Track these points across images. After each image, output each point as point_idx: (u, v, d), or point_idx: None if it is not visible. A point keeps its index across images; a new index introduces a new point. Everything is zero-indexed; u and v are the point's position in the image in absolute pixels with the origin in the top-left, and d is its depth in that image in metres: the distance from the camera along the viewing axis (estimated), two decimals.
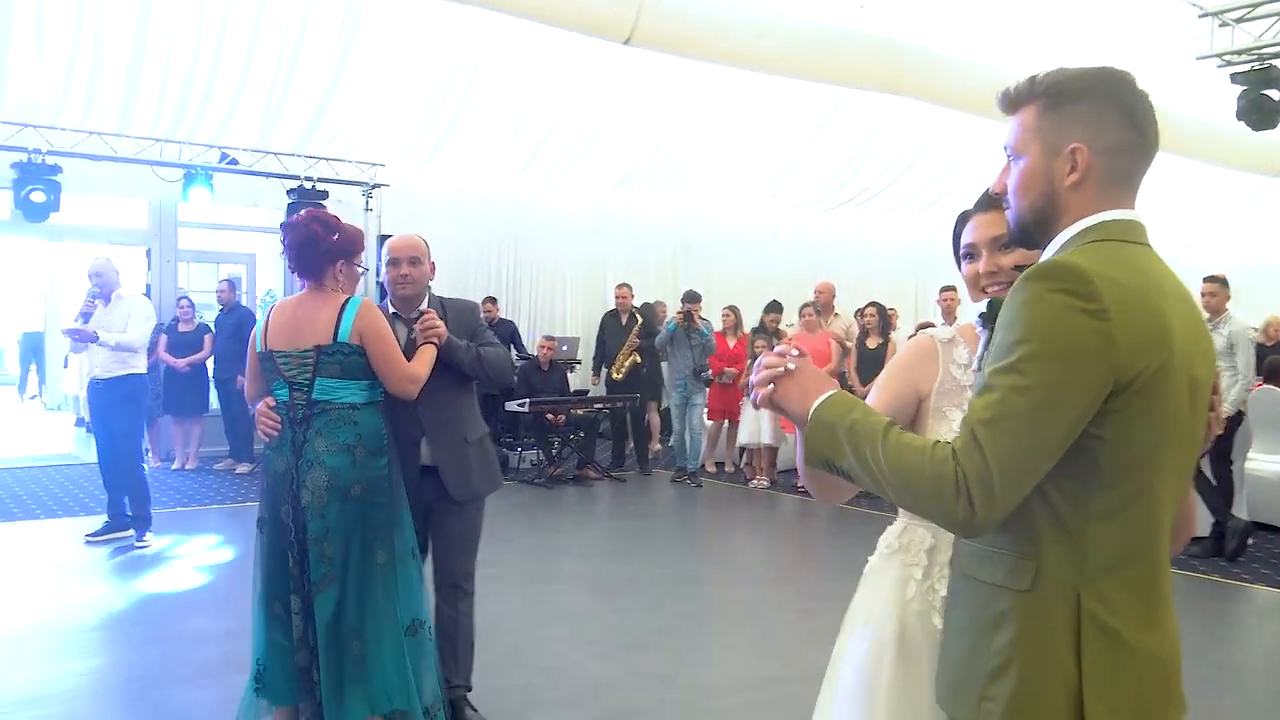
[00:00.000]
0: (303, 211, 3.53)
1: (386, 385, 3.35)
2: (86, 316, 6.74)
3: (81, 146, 9.25)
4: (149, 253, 10.69)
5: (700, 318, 9.61)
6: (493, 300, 11.05)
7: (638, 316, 10.45)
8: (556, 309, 12.61)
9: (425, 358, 3.44)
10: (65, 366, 12.89)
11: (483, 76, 10.15)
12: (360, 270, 3.49)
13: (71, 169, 9.19)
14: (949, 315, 9.08)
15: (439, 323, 3.54)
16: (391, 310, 3.69)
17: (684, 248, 13.64)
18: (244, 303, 10.59)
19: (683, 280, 13.46)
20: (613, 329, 10.49)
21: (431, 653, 3.45)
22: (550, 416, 9.48)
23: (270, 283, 11.65)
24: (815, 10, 9.92)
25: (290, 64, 9.33)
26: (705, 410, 9.89)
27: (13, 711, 3.95)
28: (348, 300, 3.34)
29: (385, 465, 3.35)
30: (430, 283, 3.79)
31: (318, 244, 3.31)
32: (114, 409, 6.72)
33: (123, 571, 6.23)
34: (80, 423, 12.75)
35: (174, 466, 9.78)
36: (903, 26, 10.41)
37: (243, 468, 9.64)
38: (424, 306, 3.68)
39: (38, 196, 8.88)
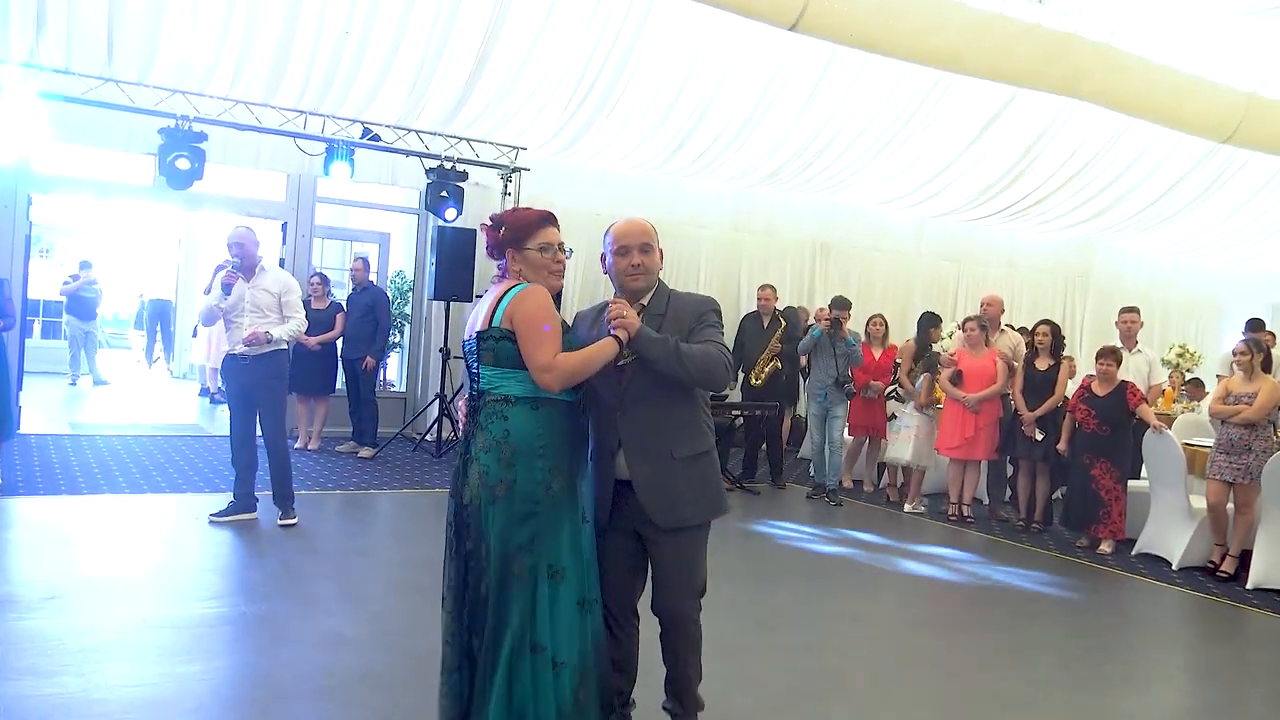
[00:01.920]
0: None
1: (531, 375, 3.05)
2: (228, 288, 6.48)
3: (226, 115, 9.10)
4: (284, 226, 10.54)
5: (848, 327, 8.99)
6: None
7: (781, 320, 9.87)
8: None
9: (589, 350, 3.08)
10: (194, 336, 12.90)
11: (633, 62, 9.71)
12: (539, 253, 3.19)
13: (214, 137, 9.06)
14: (1129, 340, 8.29)
15: (626, 310, 3.13)
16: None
17: (822, 250, 12.99)
18: (376, 283, 10.33)
19: (819, 284, 12.86)
20: (754, 332, 9.93)
21: (552, 687, 3.04)
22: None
23: (402, 264, 11.41)
24: (991, 3, 9.23)
25: (441, 39, 9.03)
26: (846, 424, 9.26)
27: (128, 712, 3.62)
28: (517, 284, 3.15)
29: (541, 471, 3.05)
30: (658, 271, 3.35)
31: (489, 242, 3.27)
32: (259, 386, 6.50)
33: (250, 558, 5.94)
34: (204, 393, 12.77)
35: (296, 446, 9.58)
36: (1083, 23, 9.63)
37: (365, 451, 9.37)
38: (625, 303, 3.23)
39: (183, 164, 8.74)
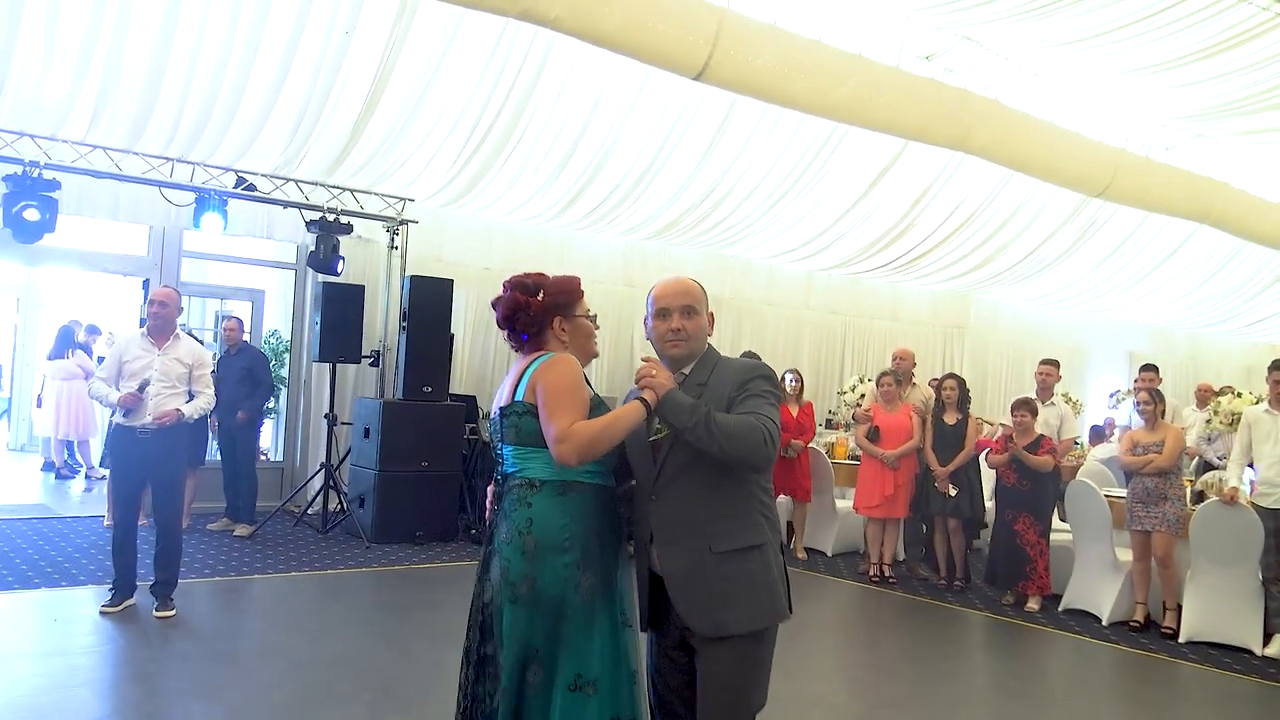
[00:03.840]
0: (505, 280, 3.02)
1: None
2: (131, 409, 5.78)
3: (83, 162, 8.27)
4: (145, 284, 9.62)
5: None
6: None
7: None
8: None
9: (611, 415, 2.73)
10: (39, 406, 11.69)
11: (529, 110, 9.34)
12: (588, 319, 2.96)
13: (67, 185, 8.22)
14: (1045, 391, 8.29)
15: (656, 369, 2.74)
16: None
17: (714, 304, 12.79)
18: (250, 343, 9.53)
19: (713, 339, 12.64)
20: None
21: None
22: None
23: (277, 323, 10.61)
24: (892, 57, 9.30)
25: (326, 83, 8.46)
26: None
27: None
28: (542, 354, 2.87)
29: (569, 566, 2.68)
30: (709, 338, 2.97)
31: (525, 310, 2.91)
32: (159, 462, 5.87)
33: (138, 667, 5.16)
34: (49, 467, 11.54)
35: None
36: (972, 79, 9.82)
37: (242, 529, 8.52)
38: (673, 371, 2.88)
39: (31, 214, 7.86)
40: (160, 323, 5.98)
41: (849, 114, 9.28)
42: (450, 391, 9.48)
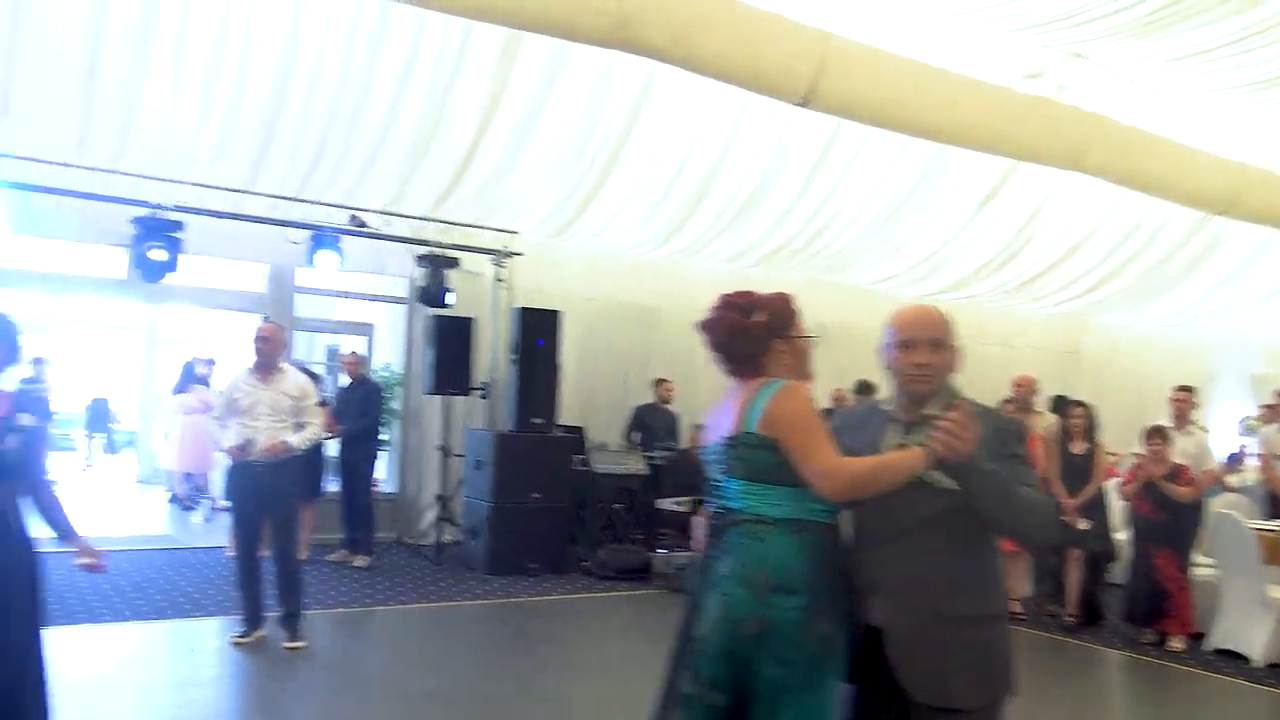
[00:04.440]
0: (715, 301, 2.85)
1: (809, 485, 2.52)
2: (246, 440, 5.90)
3: (204, 203, 8.54)
4: (265, 320, 9.87)
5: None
6: (662, 382, 10.16)
7: None
8: (694, 393, 11.64)
9: (887, 459, 2.53)
10: (166, 439, 12.08)
11: (631, 142, 9.36)
12: (808, 340, 2.83)
13: (190, 226, 8.47)
14: (1181, 420, 7.90)
15: (967, 426, 2.38)
16: (886, 409, 2.73)
17: (821, 333, 12.61)
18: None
19: (819, 368, 12.45)
20: None
21: None
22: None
23: (389, 356, 10.79)
24: (1000, 76, 9.06)
25: (433, 121, 8.61)
26: None
27: None
28: (770, 381, 2.70)
29: (802, 610, 2.49)
30: (952, 374, 2.72)
31: (745, 332, 2.76)
32: (274, 495, 5.95)
33: (270, 697, 5.22)
34: (174, 500, 11.91)
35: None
36: (1083, 97, 9.51)
37: (360, 560, 8.63)
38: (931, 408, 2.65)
39: (157, 254, 8.14)
40: (265, 358, 6.09)
41: (957, 135, 9.06)
42: (558, 422, 9.49)
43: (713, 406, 2.96)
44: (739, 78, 7.92)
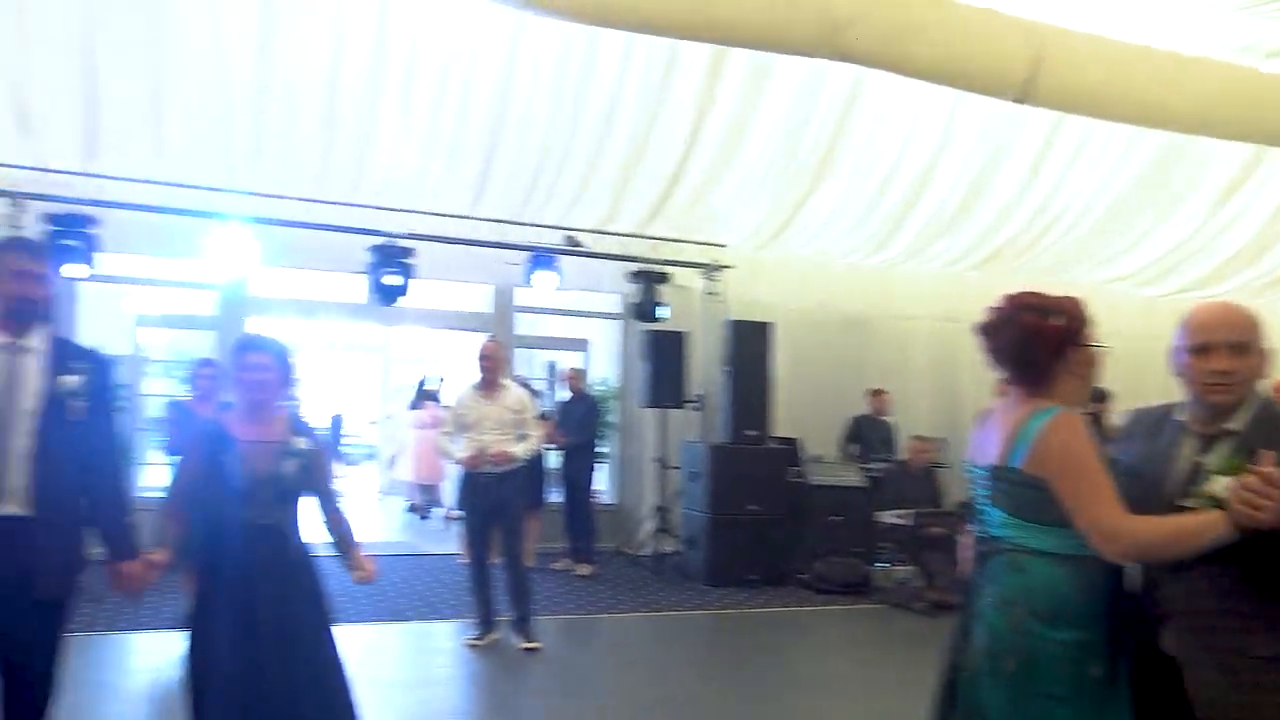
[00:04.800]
0: (996, 303, 2.54)
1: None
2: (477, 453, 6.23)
3: (432, 230, 9.05)
4: (490, 338, 10.36)
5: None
6: (879, 393, 10.02)
7: None
8: (910, 404, 11.36)
9: (1180, 525, 2.21)
10: (400, 453, 12.91)
11: (839, 149, 9.24)
12: (1099, 351, 2.50)
13: (419, 252, 8.97)
14: None
15: (1275, 488, 2.04)
16: (1181, 418, 2.45)
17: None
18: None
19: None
20: None
21: None
22: (932, 531, 8.13)
23: (605, 370, 11.10)
24: (1235, 56, 8.38)
25: (641, 140, 8.80)
26: None
27: None
28: (1044, 408, 2.39)
29: (1071, 647, 2.28)
30: (1261, 380, 2.41)
31: (1040, 338, 2.43)
32: (503, 504, 6.29)
33: (508, 699, 5.46)
34: (411, 509, 12.66)
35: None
36: None
37: (584, 569, 8.90)
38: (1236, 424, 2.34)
39: (391, 280, 8.69)
40: (489, 375, 6.41)
41: (1191, 123, 8.47)
42: (772, 434, 9.48)
43: (981, 416, 2.70)
44: (952, 78, 7.70)
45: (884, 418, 10.21)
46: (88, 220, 7.75)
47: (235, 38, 7.36)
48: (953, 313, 11.59)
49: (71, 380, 3.04)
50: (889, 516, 8.07)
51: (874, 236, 10.37)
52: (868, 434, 10.09)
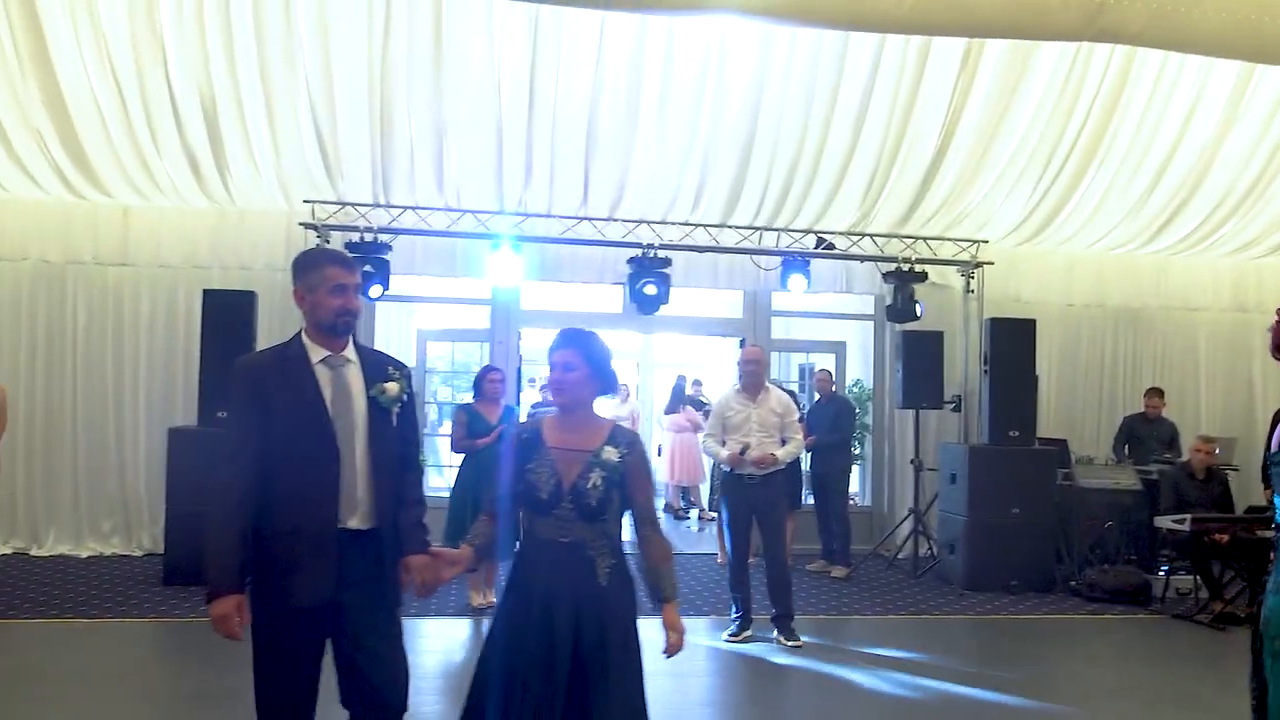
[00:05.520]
0: None
1: None
2: (744, 445, 6.44)
3: (687, 240, 9.37)
4: (742, 342, 10.59)
5: None
6: (1158, 392, 9.51)
7: None
8: (1192, 401, 10.59)
9: None
10: (658, 455, 13.39)
11: (1108, 135, 8.78)
12: None
13: (675, 261, 9.29)
14: None
15: None
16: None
17: None
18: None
19: None
20: None
21: None
22: (1216, 537, 7.57)
23: (859, 372, 11.05)
24: None
25: (895, 141, 8.74)
26: None
27: None
28: None
29: None
30: None
31: None
32: (766, 505, 6.47)
33: (775, 700, 5.65)
34: (667, 510, 13.07)
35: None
36: None
37: (838, 571, 8.92)
38: None
39: (650, 289, 9.07)
40: (752, 379, 6.58)
41: None
42: (1038, 435, 9.12)
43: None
44: (1235, 48, 7.14)
45: (1163, 416, 9.56)
46: (381, 247, 8.63)
47: (508, 76, 8.02)
48: (1242, 303, 10.73)
49: (391, 388, 3.07)
50: (1169, 522, 7.58)
51: (1149, 226, 9.77)
52: (1143, 434, 9.49)
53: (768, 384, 6.73)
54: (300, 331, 3.09)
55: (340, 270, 3.05)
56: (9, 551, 8.83)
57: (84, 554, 8.87)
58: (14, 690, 5.20)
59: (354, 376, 3.06)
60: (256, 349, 8.22)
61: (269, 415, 2.91)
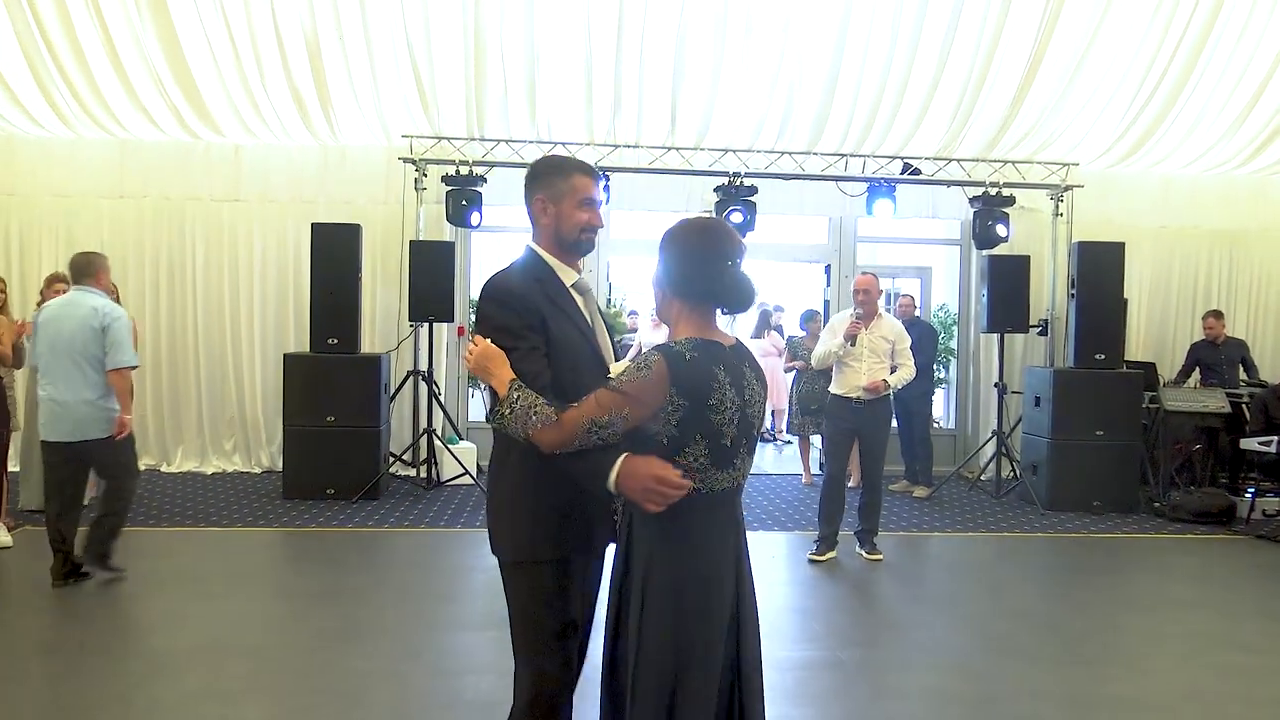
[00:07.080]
0: None
1: None
2: (852, 339, 6.65)
3: (773, 168, 9.50)
4: (827, 269, 10.75)
5: None
6: (1217, 314, 9.44)
7: None
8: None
9: None
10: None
11: (1205, 54, 8.60)
12: None
13: (761, 189, 9.44)
14: None
15: None
16: None
17: None
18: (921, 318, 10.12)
19: None
20: None
21: None
22: None
23: (945, 297, 11.11)
24: None
25: (983, 64, 8.70)
26: None
27: None
28: None
29: None
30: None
31: None
32: (871, 429, 6.72)
33: (840, 601, 5.96)
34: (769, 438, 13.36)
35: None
36: None
37: (920, 491, 9.15)
38: None
39: (736, 217, 9.23)
40: (866, 307, 6.73)
41: None
42: (1126, 359, 9.13)
43: None
44: None
45: (1226, 339, 9.46)
46: (477, 179, 8.96)
47: (597, 7, 8.19)
48: None
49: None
50: (1254, 444, 7.61)
51: (1246, 146, 9.55)
52: (1209, 360, 9.42)
53: (881, 311, 6.86)
54: (532, 250, 2.74)
55: (590, 181, 2.70)
56: (142, 468, 9.55)
57: (209, 470, 9.57)
58: (180, 589, 5.78)
59: (593, 301, 2.77)
60: (361, 279, 8.74)
61: (551, 349, 2.52)
